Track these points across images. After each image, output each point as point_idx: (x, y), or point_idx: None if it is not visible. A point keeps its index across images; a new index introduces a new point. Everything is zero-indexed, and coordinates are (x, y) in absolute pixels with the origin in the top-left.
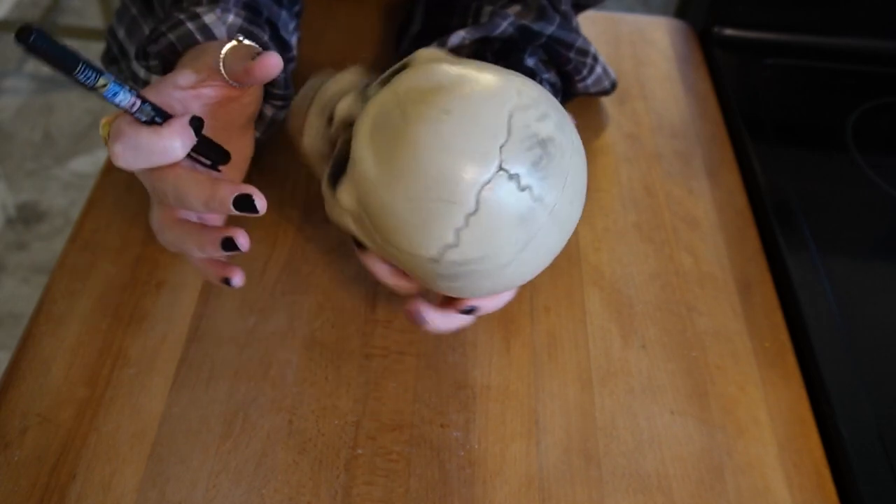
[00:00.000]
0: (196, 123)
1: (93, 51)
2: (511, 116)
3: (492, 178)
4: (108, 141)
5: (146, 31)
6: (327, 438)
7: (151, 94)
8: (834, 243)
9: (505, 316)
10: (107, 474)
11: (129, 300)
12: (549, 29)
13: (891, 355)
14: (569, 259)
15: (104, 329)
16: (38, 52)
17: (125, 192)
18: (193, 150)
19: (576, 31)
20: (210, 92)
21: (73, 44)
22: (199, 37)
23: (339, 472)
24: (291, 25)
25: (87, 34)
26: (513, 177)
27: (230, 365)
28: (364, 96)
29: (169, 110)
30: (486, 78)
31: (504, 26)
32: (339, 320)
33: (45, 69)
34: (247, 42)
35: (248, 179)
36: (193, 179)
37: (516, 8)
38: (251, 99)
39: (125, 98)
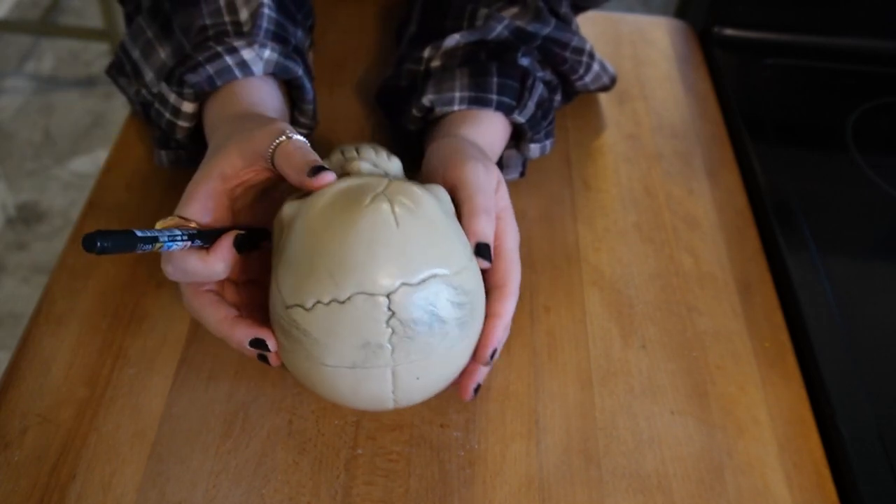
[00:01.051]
0: (240, 242)
1: (93, 51)
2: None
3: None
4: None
5: (162, 55)
6: (327, 438)
7: (193, 204)
8: (834, 243)
9: None
10: (107, 474)
11: (129, 300)
12: (545, 30)
13: (891, 355)
14: (569, 259)
15: (104, 329)
16: (106, 252)
17: (125, 192)
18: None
19: (571, 31)
20: (254, 176)
21: (73, 44)
22: (237, 73)
23: (339, 472)
24: (307, 44)
25: (88, 34)
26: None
27: (230, 365)
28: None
29: (213, 202)
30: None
31: (499, 30)
32: None
33: (45, 69)
34: (296, 138)
35: None
36: (214, 315)
37: (513, 10)
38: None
39: (179, 245)
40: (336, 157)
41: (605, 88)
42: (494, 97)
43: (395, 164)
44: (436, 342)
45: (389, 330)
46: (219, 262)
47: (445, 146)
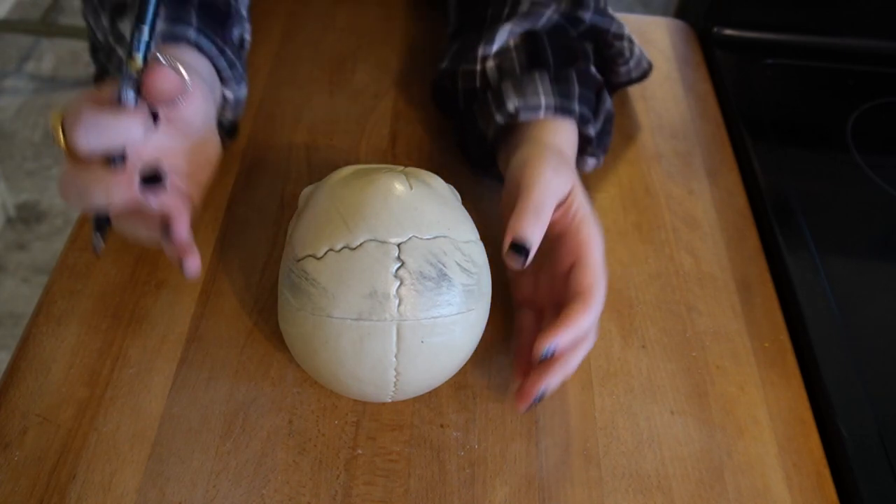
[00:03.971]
0: (156, 116)
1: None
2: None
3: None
4: (62, 129)
5: (105, 22)
6: (327, 438)
7: (93, 92)
8: (834, 243)
9: (505, 316)
10: (107, 474)
11: (129, 300)
12: (588, 15)
13: (891, 355)
14: None
15: (104, 329)
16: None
17: None
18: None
19: (609, 16)
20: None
21: (73, 44)
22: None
23: (339, 472)
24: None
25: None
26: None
27: (230, 365)
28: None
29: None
30: None
31: (548, 14)
32: None
33: (45, 69)
34: (162, 59)
35: (250, 181)
36: (93, 172)
37: None
38: (192, 110)
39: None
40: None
41: (645, 75)
42: (577, 107)
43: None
44: (442, 303)
45: (398, 281)
46: (137, 116)
47: (529, 152)
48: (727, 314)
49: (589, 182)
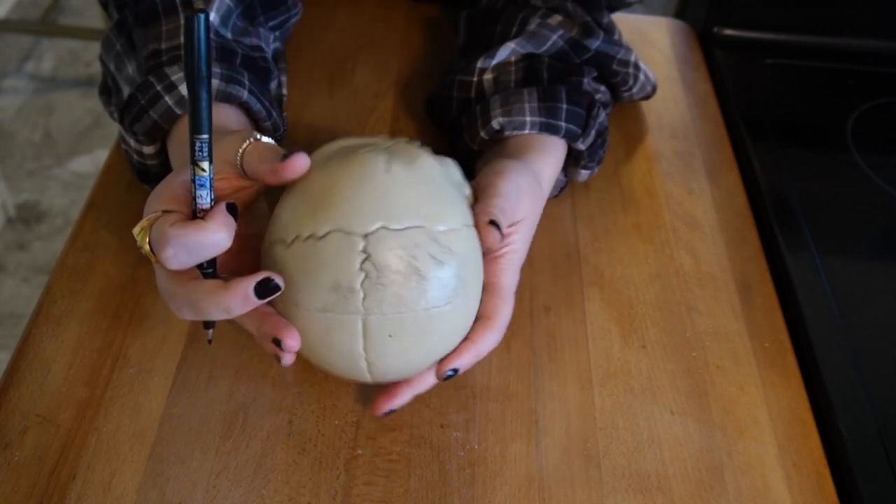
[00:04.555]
0: (233, 210)
1: (93, 51)
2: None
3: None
4: (149, 248)
5: (130, 70)
6: (327, 438)
7: (169, 197)
8: (834, 243)
9: None
10: (107, 474)
11: (129, 300)
12: (595, 43)
13: (891, 355)
14: (569, 259)
15: (104, 329)
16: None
17: (125, 192)
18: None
19: (617, 42)
20: (223, 185)
21: (73, 44)
22: (178, 111)
23: (339, 472)
24: (271, 37)
25: (87, 34)
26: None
27: (230, 365)
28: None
29: (185, 207)
30: None
31: (554, 39)
32: None
33: (45, 69)
34: (264, 140)
35: None
36: (203, 287)
37: (558, 18)
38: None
39: (205, 186)
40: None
41: (648, 97)
42: (563, 125)
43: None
44: (412, 298)
45: (363, 274)
46: (221, 228)
47: (506, 165)
48: (727, 314)
49: (589, 182)
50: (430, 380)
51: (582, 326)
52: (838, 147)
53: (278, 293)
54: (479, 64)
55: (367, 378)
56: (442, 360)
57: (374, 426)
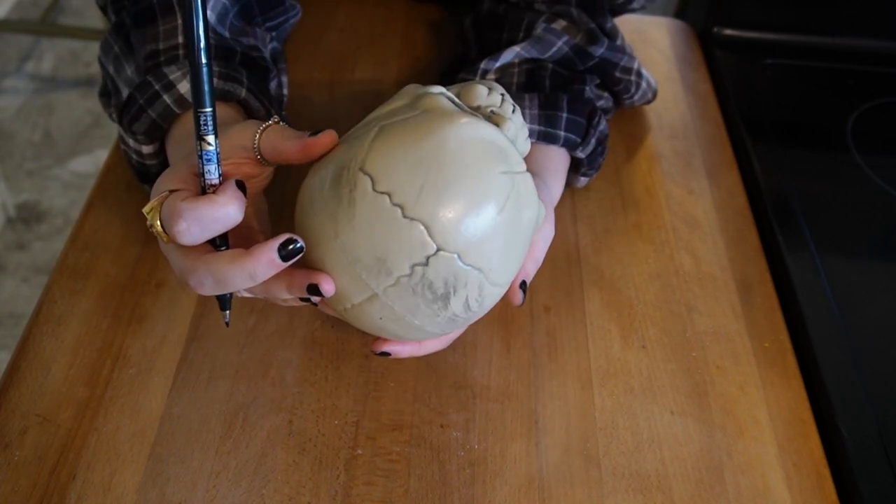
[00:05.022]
0: (241, 186)
1: (93, 51)
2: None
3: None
4: (161, 225)
5: (129, 71)
6: (327, 438)
7: (176, 179)
8: (834, 243)
9: (505, 316)
10: (107, 474)
11: (129, 300)
12: (599, 51)
13: (891, 355)
14: (569, 259)
15: (104, 329)
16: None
17: (125, 192)
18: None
19: (620, 49)
20: (232, 170)
21: (73, 44)
22: (177, 110)
23: (339, 472)
24: (268, 37)
25: (88, 34)
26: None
27: (230, 365)
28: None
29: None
30: None
31: (559, 45)
32: (339, 320)
33: (45, 69)
34: (281, 123)
35: None
36: (226, 259)
37: (562, 23)
38: (270, 170)
39: (213, 160)
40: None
41: (648, 102)
42: (562, 134)
43: (517, 118)
44: (423, 315)
45: (409, 272)
46: (232, 201)
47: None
48: (727, 314)
49: (590, 182)
50: (431, 346)
51: (582, 326)
52: (838, 147)
53: (301, 254)
54: (483, 65)
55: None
56: (380, 340)
57: (374, 426)
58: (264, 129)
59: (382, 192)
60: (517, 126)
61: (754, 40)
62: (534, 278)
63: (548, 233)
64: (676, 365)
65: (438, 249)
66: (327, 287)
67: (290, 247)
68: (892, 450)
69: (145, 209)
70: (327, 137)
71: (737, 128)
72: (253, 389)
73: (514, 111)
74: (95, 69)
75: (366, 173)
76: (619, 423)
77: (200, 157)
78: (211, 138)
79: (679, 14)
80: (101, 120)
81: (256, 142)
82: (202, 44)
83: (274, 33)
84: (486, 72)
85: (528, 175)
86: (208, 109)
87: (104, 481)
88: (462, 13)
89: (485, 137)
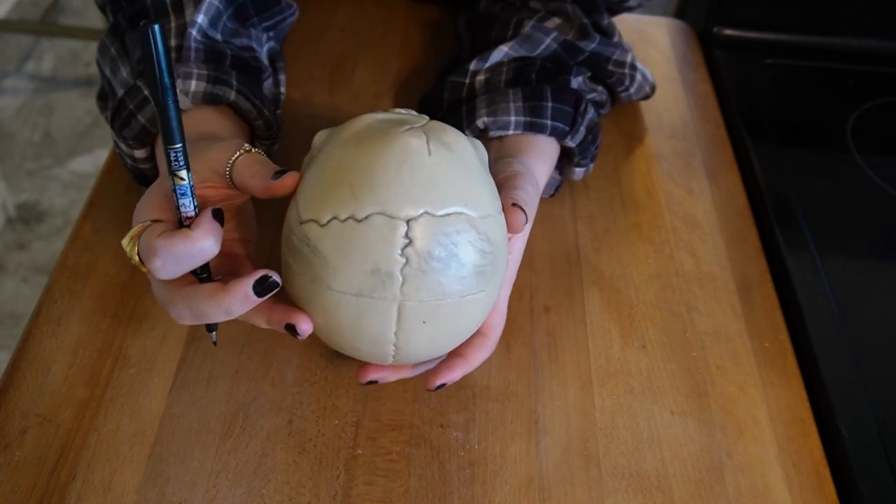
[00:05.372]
0: (219, 216)
1: (93, 51)
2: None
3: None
4: (139, 258)
5: (124, 73)
6: (327, 438)
7: (155, 207)
8: (834, 243)
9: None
10: (107, 474)
11: (129, 300)
12: (591, 46)
13: (891, 355)
14: (569, 259)
15: (104, 329)
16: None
17: (125, 192)
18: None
19: (614, 44)
20: (211, 192)
21: (73, 44)
22: None
23: (339, 472)
24: (264, 37)
25: (87, 34)
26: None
27: (230, 365)
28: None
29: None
30: None
31: (547, 42)
32: None
33: (45, 69)
34: (254, 151)
35: None
36: (202, 292)
37: (556, 21)
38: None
39: (186, 197)
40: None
41: (647, 97)
42: (549, 123)
43: None
44: (449, 285)
45: (403, 259)
46: (207, 236)
47: (509, 168)
48: (727, 314)
49: (589, 181)
50: (480, 357)
51: (582, 326)
52: (838, 147)
53: (277, 290)
54: (472, 66)
55: (389, 361)
56: (431, 374)
57: (374, 426)
58: (236, 158)
59: (329, 221)
60: (413, 114)
61: (754, 40)
62: (534, 278)
63: (526, 182)
64: (676, 365)
65: (407, 220)
66: (304, 327)
67: (266, 283)
68: (892, 450)
69: (124, 241)
70: (289, 180)
71: (737, 128)
72: (253, 389)
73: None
74: (95, 69)
75: (306, 221)
76: (619, 423)
77: (174, 191)
78: (183, 173)
79: (679, 14)
80: (101, 120)
81: (228, 171)
82: (167, 81)
83: (271, 33)
84: (475, 72)
85: (436, 121)
86: (178, 146)
87: (104, 481)
88: (462, 13)
89: (375, 120)
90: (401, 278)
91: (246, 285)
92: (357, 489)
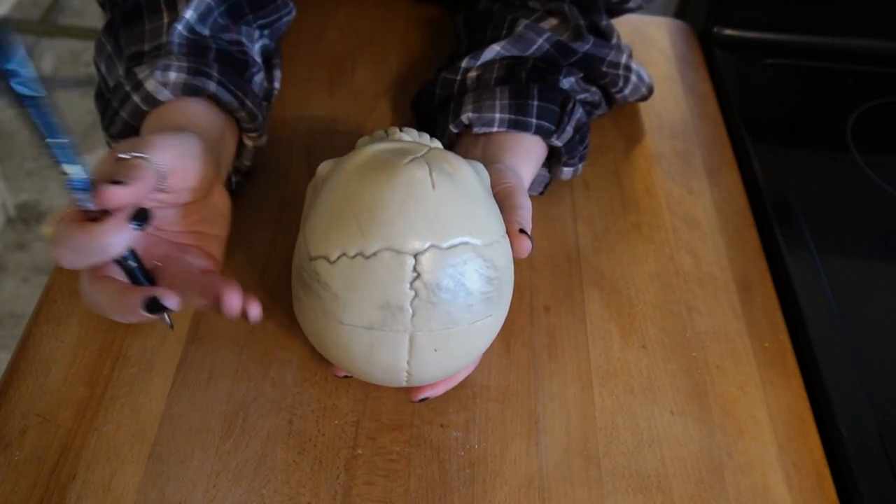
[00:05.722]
0: (141, 216)
1: (92, 51)
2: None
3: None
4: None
5: (120, 71)
6: (327, 438)
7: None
8: (834, 243)
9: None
10: (107, 474)
11: None
12: (584, 47)
13: (891, 355)
14: (569, 259)
15: (104, 329)
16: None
17: None
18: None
19: (609, 45)
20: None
21: (73, 44)
22: (144, 108)
23: (339, 472)
24: (257, 34)
25: (88, 34)
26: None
27: (230, 365)
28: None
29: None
30: None
31: (540, 42)
32: None
33: (45, 69)
34: (121, 155)
35: (250, 181)
36: (108, 290)
37: (553, 22)
38: (180, 181)
39: (66, 161)
40: (378, 134)
41: (644, 98)
42: (534, 121)
43: (436, 144)
44: (459, 314)
45: (412, 293)
46: (110, 233)
47: (502, 179)
48: (727, 314)
49: (589, 181)
50: (462, 375)
51: (582, 326)
52: (838, 147)
53: (165, 312)
54: (465, 63)
55: (402, 385)
56: (415, 390)
57: (374, 426)
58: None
59: (338, 258)
60: (412, 136)
61: (754, 40)
62: (534, 278)
63: (524, 199)
64: (676, 365)
65: (415, 254)
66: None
67: (156, 303)
68: (892, 450)
69: (44, 225)
70: (112, 196)
71: (737, 128)
72: (253, 389)
73: (401, 129)
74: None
75: (315, 258)
76: (619, 423)
77: (65, 186)
78: (67, 167)
79: (679, 14)
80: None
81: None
82: (25, 73)
83: (266, 31)
84: (467, 69)
85: (437, 147)
86: (55, 140)
87: (104, 481)
88: (461, 12)
89: (378, 150)
90: (411, 311)
91: (139, 299)
92: (357, 489)
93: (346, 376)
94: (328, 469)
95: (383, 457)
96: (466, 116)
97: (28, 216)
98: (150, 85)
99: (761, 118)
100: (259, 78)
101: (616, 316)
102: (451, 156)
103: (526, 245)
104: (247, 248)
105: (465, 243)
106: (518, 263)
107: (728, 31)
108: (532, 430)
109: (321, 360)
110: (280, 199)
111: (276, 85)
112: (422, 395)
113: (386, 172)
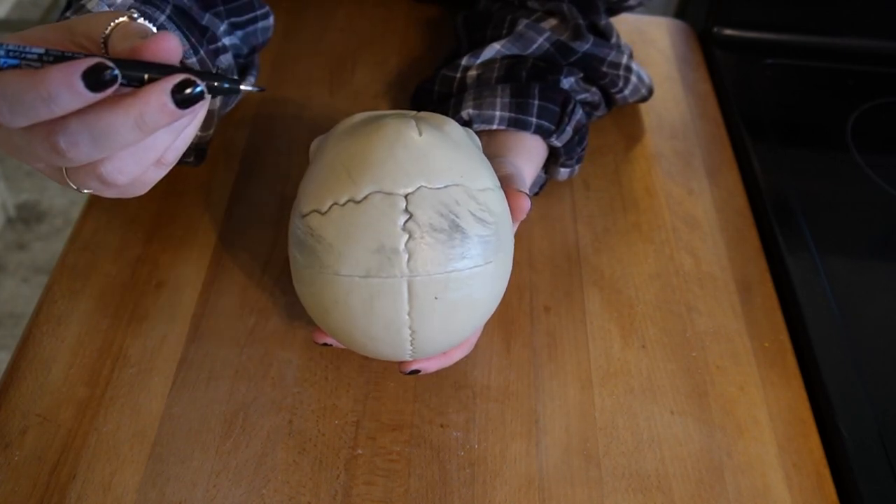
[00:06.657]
0: (96, 69)
1: None
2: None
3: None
4: None
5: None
6: (327, 438)
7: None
8: (834, 243)
9: (505, 316)
10: (107, 474)
11: (129, 300)
12: (584, 47)
13: (891, 355)
14: (569, 259)
15: (104, 329)
16: None
17: None
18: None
19: (609, 46)
20: None
21: None
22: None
23: (339, 472)
24: (223, 26)
25: None
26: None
27: (230, 365)
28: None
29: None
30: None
31: (540, 41)
32: None
33: None
34: (141, 21)
35: (250, 181)
36: (16, 80)
37: (552, 22)
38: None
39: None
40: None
41: (644, 99)
42: (534, 120)
43: None
44: (455, 255)
45: (406, 234)
46: (51, 84)
47: (501, 168)
48: (727, 314)
49: (589, 181)
50: (457, 355)
51: (582, 326)
52: (838, 147)
53: (115, 86)
54: (464, 62)
55: (409, 350)
56: (406, 363)
57: (374, 426)
58: (118, 23)
59: (329, 207)
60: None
61: (754, 40)
62: (534, 278)
63: (522, 185)
64: (676, 365)
65: (405, 195)
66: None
67: (100, 73)
68: (892, 450)
69: None
70: (164, 42)
71: (737, 128)
72: (253, 389)
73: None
74: None
75: (307, 213)
76: (619, 423)
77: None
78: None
79: (679, 14)
80: None
81: (104, 36)
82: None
83: (239, 32)
84: (467, 68)
85: (426, 113)
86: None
87: (104, 481)
88: (461, 12)
89: (365, 115)
90: (406, 253)
91: (160, 90)
92: (357, 489)
93: (325, 344)
94: (328, 469)
95: (383, 457)
96: (467, 112)
97: (28, 216)
98: (91, 4)
99: (761, 118)
100: (226, 59)
101: (616, 316)
102: (439, 115)
103: (525, 203)
104: (247, 247)
105: (457, 185)
106: (518, 263)
107: (728, 31)
108: (532, 430)
109: (321, 360)
110: (280, 198)
111: (250, 79)
112: (413, 367)
113: (373, 126)
